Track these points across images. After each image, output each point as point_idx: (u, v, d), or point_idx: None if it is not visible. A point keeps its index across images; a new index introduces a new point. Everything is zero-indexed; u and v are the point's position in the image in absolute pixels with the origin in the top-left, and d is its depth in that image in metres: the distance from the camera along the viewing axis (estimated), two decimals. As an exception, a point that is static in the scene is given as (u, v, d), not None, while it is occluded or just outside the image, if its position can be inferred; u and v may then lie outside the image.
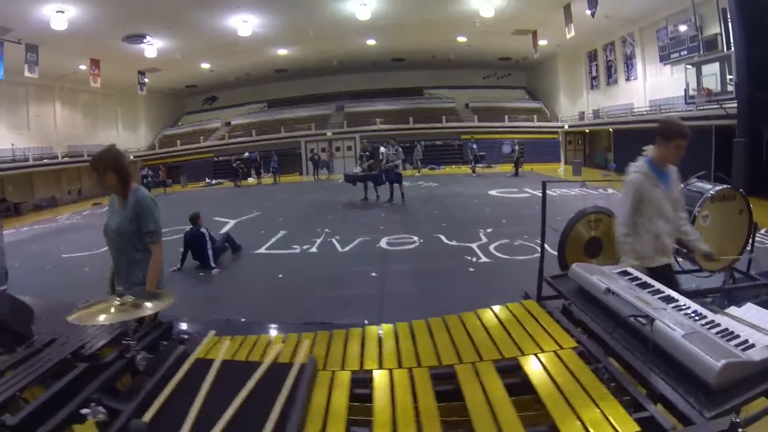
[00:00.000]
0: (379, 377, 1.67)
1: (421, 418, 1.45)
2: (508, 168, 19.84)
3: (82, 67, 19.14)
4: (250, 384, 1.51)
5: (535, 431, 1.41)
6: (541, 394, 1.51)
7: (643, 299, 1.98)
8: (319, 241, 8.63)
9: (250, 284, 6.77)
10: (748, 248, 4.44)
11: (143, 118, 26.74)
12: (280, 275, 6.82)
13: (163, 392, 1.49)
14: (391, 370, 1.72)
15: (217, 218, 11.52)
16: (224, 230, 9.74)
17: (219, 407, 1.40)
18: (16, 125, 19.71)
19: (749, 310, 1.98)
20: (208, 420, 1.35)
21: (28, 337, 2.09)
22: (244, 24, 18.30)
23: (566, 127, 24.31)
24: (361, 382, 1.66)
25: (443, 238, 8.38)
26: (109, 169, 2.76)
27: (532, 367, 1.67)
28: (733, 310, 1.99)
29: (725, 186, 4.50)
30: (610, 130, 20.36)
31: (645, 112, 17.91)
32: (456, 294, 5.39)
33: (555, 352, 1.75)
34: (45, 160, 19.99)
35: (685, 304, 1.93)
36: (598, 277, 2.25)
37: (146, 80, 22.31)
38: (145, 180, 20.08)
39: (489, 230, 8.64)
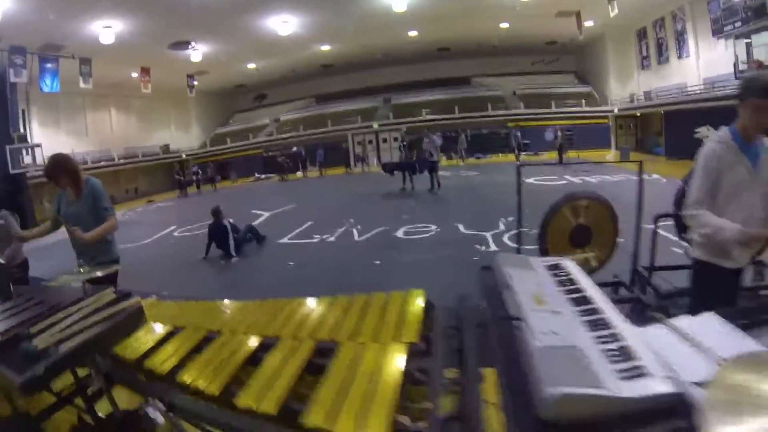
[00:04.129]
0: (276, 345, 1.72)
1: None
2: (554, 155, 19.37)
3: (134, 75, 20.24)
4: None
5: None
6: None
7: (542, 298, 1.57)
8: (340, 230, 8.85)
9: (264, 272, 7.06)
10: None
11: (195, 119, 27.98)
12: (291, 263, 7.06)
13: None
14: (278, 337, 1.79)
15: (254, 211, 12.00)
16: (257, 222, 10.22)
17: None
18: (76, 132, 21.13)
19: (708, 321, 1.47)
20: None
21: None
22: (284, 24, 18.77)
23: (616, 110, 23.34)
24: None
25: (461, 227, 8.36)
26: (62, 174, 3.17)
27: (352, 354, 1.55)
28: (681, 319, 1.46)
29: None
30: (662, 112, 19.43)
31: (698, 92, 16.81)
32: (446, 282, 5.20)
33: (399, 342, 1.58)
34: (102, 162, 21.24)
35: (597, 309, 1.48)
36: (511, 269, 1.99)
37: (195, 83, 23.27)
38: (195, 177, 21.08)
39: (510, 219, 8.54)
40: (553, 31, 23.12)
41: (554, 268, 1.98)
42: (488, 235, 7.63)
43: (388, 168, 13.84)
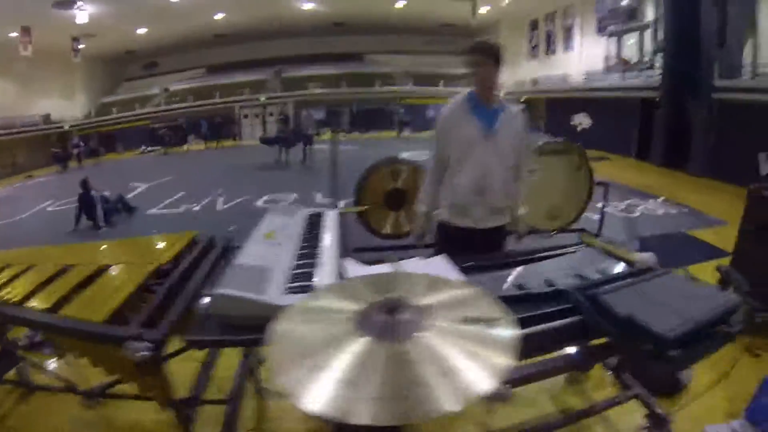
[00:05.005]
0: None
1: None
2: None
3: (13, 35, 18.86)
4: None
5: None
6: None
7: (273, 234, 2.13)
8: (206, 200, 9.58)
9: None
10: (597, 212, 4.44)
11: (80, 87, 26.40)
12: (155, 231, 7.63)
13: None
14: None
15: (133, 183, 12.23)
16: (134, 193, 10.75)
17: None
18: None
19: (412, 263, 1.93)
20: None
21: None
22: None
23: (502, 94, 24.98)
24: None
25: (320, 195, 9.22)
26: None
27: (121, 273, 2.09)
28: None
29: (557, 139, 4.55)
30: (544, 99, 21.19)
31: (576, 83, 18.69)
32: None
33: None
34: None
35: (319, 247, 2.00)
36: (273, 214, 2.47)
37: (81, 46, 22.00)
38: (77, 150, 20.24)
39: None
40: (450, 14, 24.11)
41: (316, 216, 2.48)
42: (342, 202, 8.54)
43: (266, 141, 14.44)
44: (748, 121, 8.63)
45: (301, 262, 1.84)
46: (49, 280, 2.06)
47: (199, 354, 1.97)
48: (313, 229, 2.26)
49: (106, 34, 22.04)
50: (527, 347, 1.45)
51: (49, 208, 11.11)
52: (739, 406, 2.68)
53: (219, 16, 22.78)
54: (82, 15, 18.76)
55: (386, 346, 0.93)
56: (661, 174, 11.06)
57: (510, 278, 1.96)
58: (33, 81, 23.25)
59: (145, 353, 1.51)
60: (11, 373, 3.03)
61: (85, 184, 8.72)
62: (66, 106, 25.15)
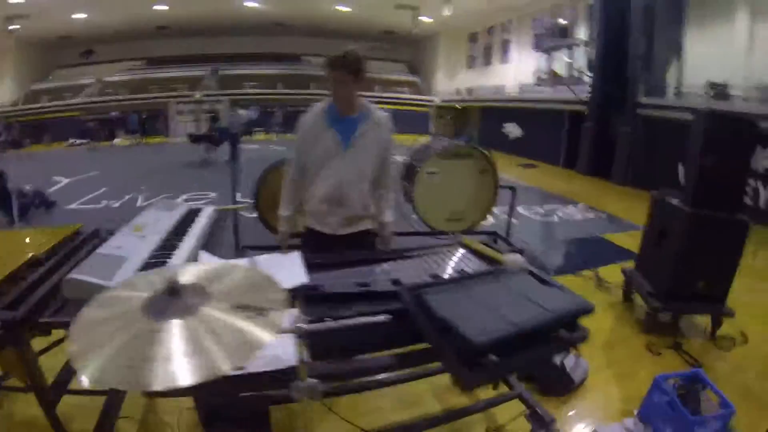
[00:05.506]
0: None
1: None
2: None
3: None
4: None
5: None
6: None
7: (142, 227, 2.37)
8: (128, 197, 9.48)
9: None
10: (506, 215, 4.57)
11: (10, 71, 24.96)
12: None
13: None
14: None
15: (55, 177, 11.96)
16: (56, 187, 10.46)
17: None
18: None
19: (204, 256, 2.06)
20: None
21: None
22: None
23: (437, 101, 25.92)
24: None
25: (239, 195, 9.47)
26: None
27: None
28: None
29: (459, 142, 4.63)
30: (479, 107, 22.05)
31: (509, 94, 19.67)
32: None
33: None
34: None
35: (179, 239, 2.28)
36: (154, 209, 2.77)
37: (13, 27, 21.03)
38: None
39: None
40: (392, 21, 24.76)
41: (192, 213, 2.76)
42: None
43: (194, 138, 14.52)
44: (669, 136, 9.36)
45: (158, 253, 2.05)
46: None
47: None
48: (185, 224, 2.45)
49: (42, 16, 20.90)
50: (344, 344, 1.59)
51: None
52: (635, 404, 2.79)
53: (161, 8, 22.36)
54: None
55: (148, 324, 1.07)
56: (585, 182, 11.64)
57: (357, 276, 1.98)
58: None
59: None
60: None
61: (0, 177, 8.70)
62: (-9, 91, 24.05)
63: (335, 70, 2.37)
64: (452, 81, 26.30)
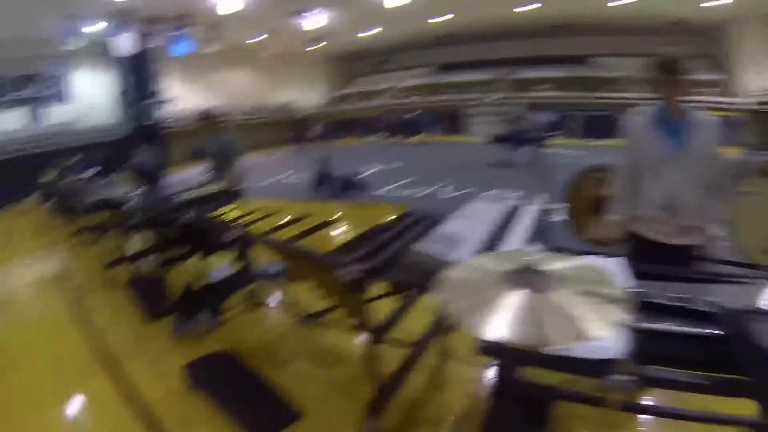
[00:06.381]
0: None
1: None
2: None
3: (259, 38, 22.00)
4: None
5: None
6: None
7: (474, 216, 2.57)
8: (434, 188, 10.06)
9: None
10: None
11: (317, 80, 29.92)
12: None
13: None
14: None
15: (364, 165, 13.52)
16: (365, 174, 11.57)
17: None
18: (207, 88, 23.76)
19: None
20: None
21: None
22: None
23: (751, 102, 21.43)
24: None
25: (543, 198, 9.06)
26: (209, 123, 5.07)
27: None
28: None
29: None
30: None
31: None
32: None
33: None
34: (230, 117, 23.27)
35: (504, 230, 2.38)
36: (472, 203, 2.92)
37: (316, 47, 24.51)
38: (315, 133, 23.03)
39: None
40: (687, 10, 21.64)
41: (515, 209, 2.74)
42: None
43: (497, 139, 14.49)
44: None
45: (489, 240, 2.16)
46: (291, 222, 3.25)
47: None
48: (510, 218, 2.51)
49: (339, 37, 24.18)
50: (653, 352, 1.48)
51: (290, 179, 13.10)
52: None
53: (447, 18, 23.52)
54: (313, 21, 20.88)
55: (526, 293, 1.20)
56: None
57: (673, 290, 1.82)
58: (275, 75, 27.19)
59: (354, 275, 2.07)
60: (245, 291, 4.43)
61: (324, 161, 10.05)
62: (306, 96, 28.73)
63: (669, 74, 2.31)
64: (749, 79, 21.32)
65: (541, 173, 11.53)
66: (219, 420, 2.95)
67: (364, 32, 24.86)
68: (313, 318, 3.63)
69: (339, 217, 2.83)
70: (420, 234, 2.43)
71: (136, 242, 5.61)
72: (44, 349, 4.23)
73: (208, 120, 4.94)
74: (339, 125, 26.26)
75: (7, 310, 5.46)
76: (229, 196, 4.22)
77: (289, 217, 3.41)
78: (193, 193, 4.05)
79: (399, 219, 2.83)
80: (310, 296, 3.04)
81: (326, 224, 3.01)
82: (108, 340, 4.22)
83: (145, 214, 4.01)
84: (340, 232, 2.60)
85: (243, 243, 3.58)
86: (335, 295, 2.40)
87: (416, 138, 22.70)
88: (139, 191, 4.30)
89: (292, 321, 4.19)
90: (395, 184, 10.75)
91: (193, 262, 4.23)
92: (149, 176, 9.50)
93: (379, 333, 2.43)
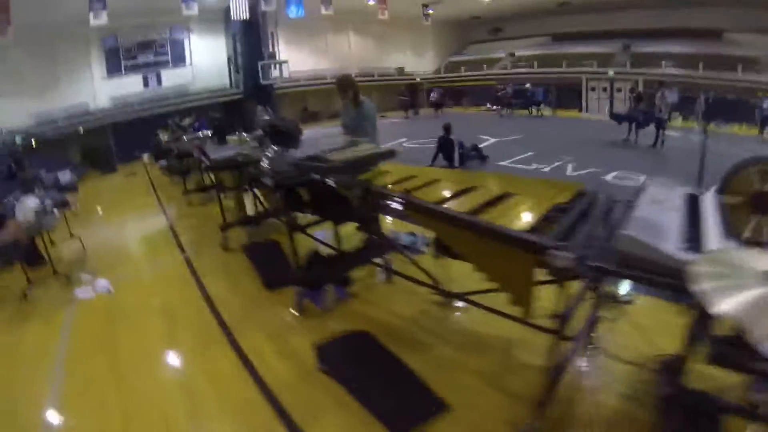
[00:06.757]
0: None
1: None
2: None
3: (371, 2, 21.95)
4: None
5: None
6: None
7: (662, 204, 2.39)
8: (556, 164, 10.04)
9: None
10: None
11: (430, 45, 29.74)
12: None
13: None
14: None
15: (481, 136, 13.79)
16: (483, 145, 11.77)
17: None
18: (317, 51, 24.53)
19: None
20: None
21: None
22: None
23: None
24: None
25: (672, 182, 8.84)
26: (348, 89, 4.64)
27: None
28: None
29: None
30: None
31: None
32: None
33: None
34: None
35: (694, 218, 2.27)
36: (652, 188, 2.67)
37: (430, 11, 24.47)
38: (431, 99, 23.54)
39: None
40: None
41: (692, 196, 2.54)
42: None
43: (617, 117, 14.08)
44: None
45: (687, 228, 2.05)
46: (461, 193, 2.74)
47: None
48: (692, 205, 2.35)
49: (453, 2, 23.73)
50: None
51: (405, 144, 13.53)
52: None
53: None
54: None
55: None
56: None
57: None
58: (388, 39, 27.37)
59: (568, 263, 1.81)
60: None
61: (447, 129, 10.25)
62: (417, 61, 28.81)
63: None
64: None
65: (665, 157, 11.20)
66: (348, 407, 2.70)
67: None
68: (458, 297, 3.17)
69: (512, 192, 2.46)
70: (610, 218, 2.27)
71: (254, 205, 5.50)
72: (157, 309, 4.28)
73: (346, 84, 4.65)
74: (450, 92, 26.35)
75: (123, 264, 5.63)
76: (378, 157, 3.71)
77: (455, 189, 2.87)
78: (337, 155, 3.54)
79: (574, 198, 2.53)
80: (454, 273, 3.06)
81: (499, 199, 2.53)
82: (222, 307, 4.13)
83: (278, 175, 3.59)
84: (524, 208, 2.45)
85: (386, 212, 3.21)
86: (502, 279, 2.19)
87: (530, 110, 22.29)
88: (272, 152, 3.86)
89: (433, 300, 3.76)
90: (517, 157, 10.87)
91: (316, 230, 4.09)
92: (285, 137, 10.12)
93: (561, 326, 2.21)
